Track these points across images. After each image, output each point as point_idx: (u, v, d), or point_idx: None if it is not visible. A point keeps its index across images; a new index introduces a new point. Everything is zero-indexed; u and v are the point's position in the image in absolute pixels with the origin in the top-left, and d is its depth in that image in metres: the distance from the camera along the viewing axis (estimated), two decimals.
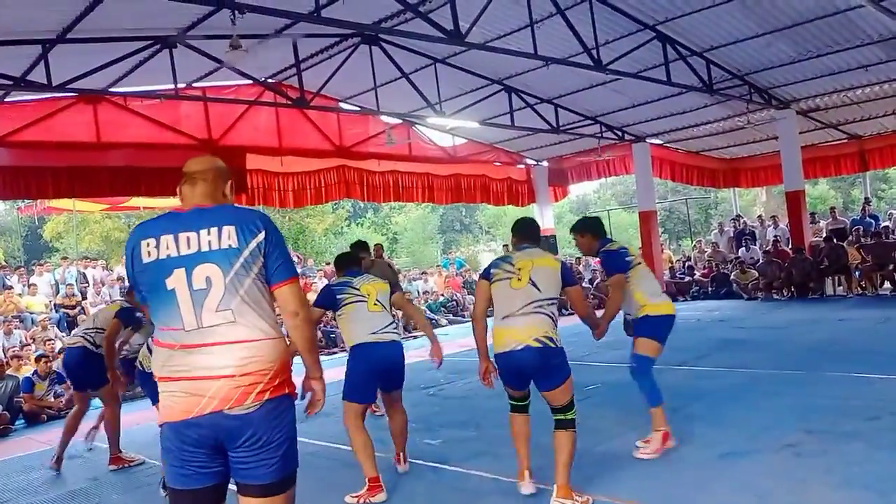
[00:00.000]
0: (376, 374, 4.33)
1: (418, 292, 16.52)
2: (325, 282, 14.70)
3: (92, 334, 5.68)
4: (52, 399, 8.66)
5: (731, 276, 14.40)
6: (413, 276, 17.79)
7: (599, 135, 15.18)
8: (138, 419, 6.71)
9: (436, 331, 8.15)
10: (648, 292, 4.43)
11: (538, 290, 3.64)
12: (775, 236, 15.09)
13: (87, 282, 13.50)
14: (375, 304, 4.39)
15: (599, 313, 4.30)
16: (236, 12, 7.03)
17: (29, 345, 10.20)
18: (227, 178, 2.45)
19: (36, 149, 10.33)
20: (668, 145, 17.00)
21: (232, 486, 2.28)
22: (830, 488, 3.63)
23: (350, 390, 4.28)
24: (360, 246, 6.28)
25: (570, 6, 9.46)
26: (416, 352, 6.33)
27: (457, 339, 11.17)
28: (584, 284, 15.61)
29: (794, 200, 14.20)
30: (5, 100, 10.06)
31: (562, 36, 9.80)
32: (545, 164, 18.13)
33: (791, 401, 5.48)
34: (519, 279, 3.67)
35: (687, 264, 16.78)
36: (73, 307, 12.21)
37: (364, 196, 15.20)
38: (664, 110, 14.26)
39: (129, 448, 5.91)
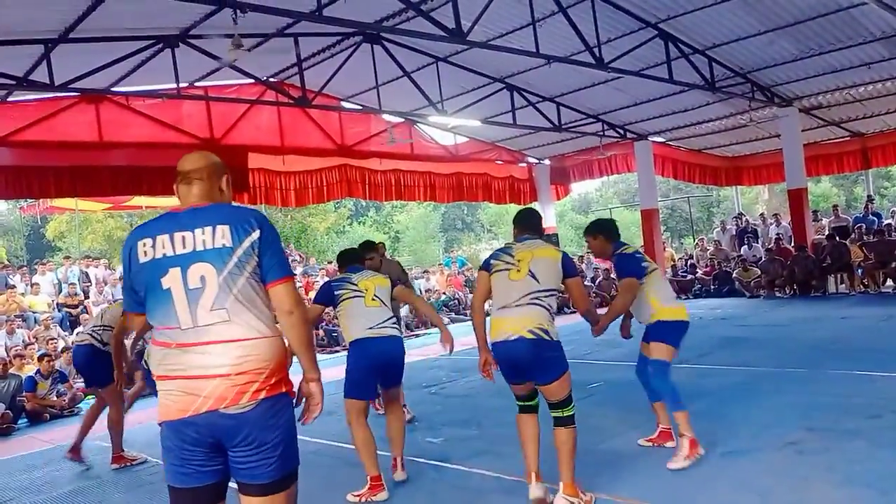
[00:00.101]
0: (375, 369, 4.29)
1: (420, 291, 16.53)
2: (327, 279, 14.75)
3: (99, 332, 5.69)
4: (55, 398, 8.68)
5: (734, 274, 14.39)
6: (415, 275, 17.79)
7: (601, 133, 15.17)
8: (140, 418, 6.72)
9: (436, 329, 8.18)
10: (663, 297, 4.35)
11: (537, 281, 3.59)
12: (778, 234, 15.07)
13: (90, 281, 13.52)
14: (374, 300, 4.36)
15: (600, 312, 4.27)
16: (238, 11, 7.04)
17: (32, 344, 10.22)
18: (223, 174, 2.43)
19: (38, 148, 10.35)
20: (670, 143, 16.99)
21: (233, 485, 2.29)
22: (832, 486, 3.62)
23: (350, 387, 4.26)
24: (369, 246, 6.23)
25: (572, 4, 9.46)
26: (417, 350, 6.34)
27: (458, 337, 11.07)
28: (585, 283, 15.61)
29: (797, 198, 14.18)
30: (8, 99, 10.10)
31: (564, 34, 9.79)
32: (547, 162, 18.12)
33: (793, 399, 5.48)
34: (518, 270, 3.63)
35: (689, 262, 16.77)
36: (76, 306, 12.24)
37: (366, 195, 15.21)
38: (666, 108, 14.25)
39: (132, 447, 5.92)
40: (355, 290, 4.36)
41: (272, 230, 2.31)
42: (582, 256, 19.12)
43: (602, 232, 4.49)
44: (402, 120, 14.54)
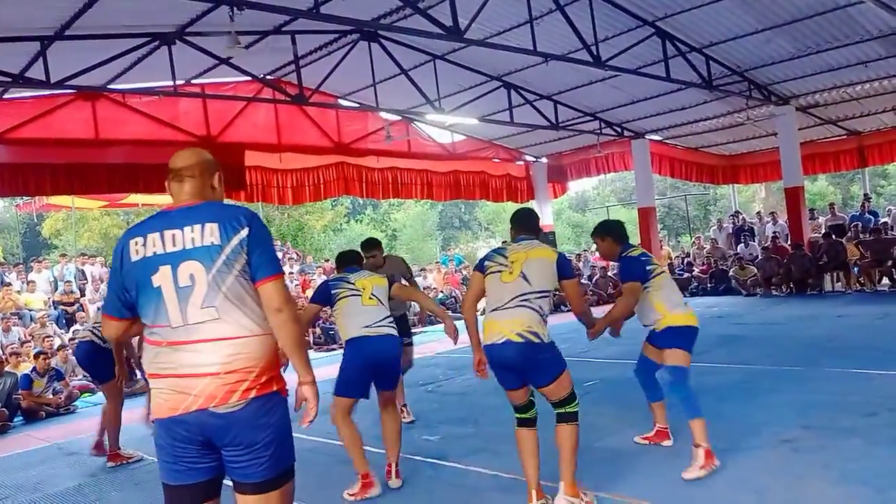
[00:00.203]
0: (369, 368, 4.25)
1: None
2: (325, 278, 14.74)
3: (100, 328, 5.67)
4: (51, 396, 8.66)
5: (730, 273, 14.41)
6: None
7: (598, 131, 15.17)
8: (137, 416, 6.70)
9: (434, 328, 8.17)
10: (670, 302, 4.23)
11: (528, 283, 3.53)
12: (774, 232, 15.10)
13: (86, 279, 13.49)
14: (370, 298, 4.33)
15: (597, 311, 4.27)
16: (235, 8, 7.03)
17: (28, 342, 10.20)
18: (215, 171, 2.41)
19: (34, 146, 10.33)
20: (667, 142, 17.00)
21: (229, 482, 2.28)
22: (828, 484, 3.63)
23: (340, 384, 4.23)
24: (372, 243, 6.19)
25: (570, 2, 9.44)
26: (415, 348, 6.32)
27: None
28: (582, 281, 15.62)
29: (793, 197, 14.21)
30: (3, 97, 10.06)
31: (561, 32, 9.79)
32: (544, 160, 18.13)
33: (789, 397, 5.49)
34: (510, 272, 3.58)
35: (686, 260, 16.79)
36: (72, 304, 12.21)
37: (363, 193, 15.21)
38: (663, 106, 14.26)
39: (128, 444, 5.91)
40: (352, 289, 4.35)
41: (261, 228, 2.28)
42: (579, 254, 19.17)
43: (610, 233, 4.41)
44: (400, 118, 14.53)
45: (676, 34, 10.97)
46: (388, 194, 15.74)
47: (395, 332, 4.38)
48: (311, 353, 10.62)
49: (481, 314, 3.70)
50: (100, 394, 9.32)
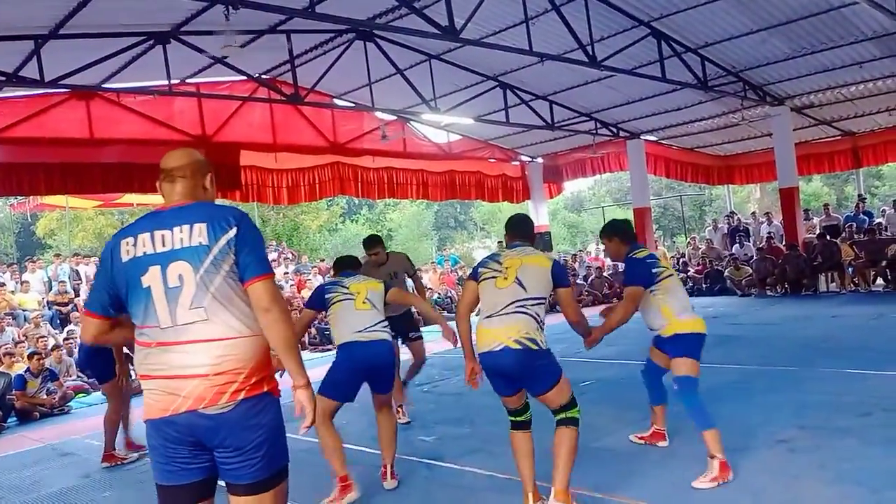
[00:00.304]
0: (359, 373, 4.19)
1: (412, 289, 16.50)
2: (320, 278, 14.72)
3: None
4: (45, 396, 8.62)
5: (725, 273, 14.44)
6: None
7: (594, 131, 15.18)
8: (132, 416, 6.68)
9: (431, 328, 8.15)
10: (677, 308, 4.10)
11: (524, 289, 3.46)
12: (769, 233, 15.13)
13: (80, 279, 13.44)
14: (364, 303, 4.27)
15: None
16: (230, 7, 7.00)
17: (21, 342, 10.16)
18: (207, 171, 2.41)
19: (28, 145, 10.28)
20: (662, 142, 17.03)
21: (224, 483, 2.28)
22: (823, 484, 3.64)
23: (327, 385, 4.16)
24: (374, 241, 6.10)
25: (565, 2, 9.45)
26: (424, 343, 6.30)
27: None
28: (578, 281, 15.63)
29: (788, 197, 14.24)
30: None
31: (557, 32, 9.78)
32: (540, 160, 18.14)
33: (784, 397, 5.50)
34: (505, 278, 3.51)
35: (681, 261, 16.82)
36: (66, 304, 12.16)
37: (358, 193, 15.19)
38: (659, 107, 14.28)
39: (123, 444, 5.89)
40: (346, 293, 4.30)
41: (250, 228, 2.26)
42: (575, 255, 19.18)
43: (617, 234, 4.32)
44: (395, 118, 14.51)
45: (672, 34, 10.98)
46: (384, 194, 15.74)
47: (388, 336, 4.31)
48: (306, 354, 10.61)
49: (476, 314, 3.64)
50: (94, 395, 9.37)
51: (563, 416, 3.50)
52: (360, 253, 6.14)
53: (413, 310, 6.42)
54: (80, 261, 14.60)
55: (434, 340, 6.63)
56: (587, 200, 39.09)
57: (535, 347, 3.41)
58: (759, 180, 20.09)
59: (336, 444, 4.11)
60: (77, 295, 12.68)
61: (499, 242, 21.09)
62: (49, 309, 11.99)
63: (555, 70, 11.70)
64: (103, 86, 9.92)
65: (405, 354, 6.28)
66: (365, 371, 4.20)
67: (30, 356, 8.85)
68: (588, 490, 3.79)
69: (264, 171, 13.22)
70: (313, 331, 12.30)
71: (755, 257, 14.23)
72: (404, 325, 6.09)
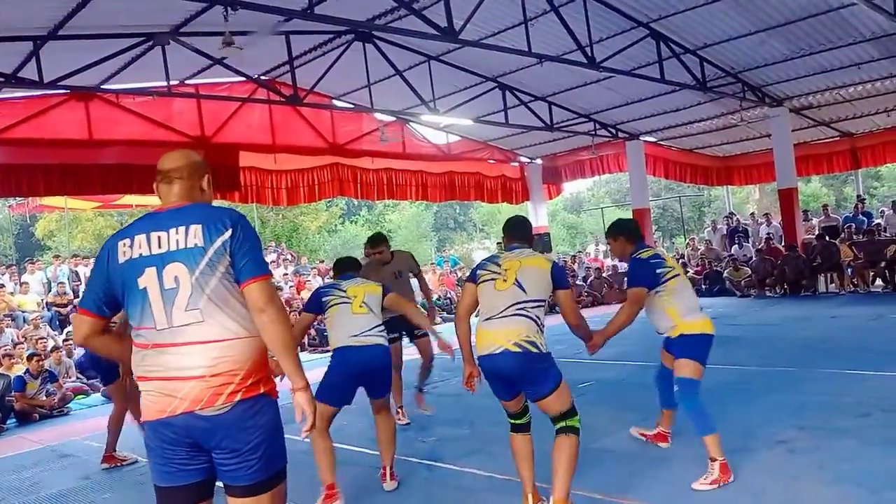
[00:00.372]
0: (354, 378, 4.15)
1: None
2: (319, 280, 14.71)
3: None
4: (44, 398, 8.61)
5: (725, 274, 14.45)
6: None
7: (593, 132, 15.20)
8: (129, 418, 6.67)
9: (437, 327, 8.13)
10: (684, 309, 4.00)
11: (523, 291, 3.41)
12: (768, 234, 15.14)
13: (79, 280, 13.42)
14: (361, 307, 4.23)
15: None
16: (229, 8, 7.01)
17: (21, 343, 10.13)
18: (204, 173, 2.41)
19: (27, 146, 10.27)
20: (661, 143, 17.04)
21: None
22: (823, 485, 3.64)
23: (322, 390, 4.08)
24: (378, 239, 6.04)
25: (564, 3, 9.47)
26: (411, 349, 6.29)
27: (451, 337, 11.10)
28: (577, 282, 15.64)
29: (787, 198, 14.25)
30: None
31: (556, 33, 9.79)
32: (539, 161, 18.15)
33: (784, 398, 5.51)
34: (504, 280, 3.46)
35: (680, 262, 16.79)
36: (65, 305, 12.15)
37: (358, 194, 15.19)
38: (658, 108, 14.29)
39: (122, 446, 5.88)
40: (343, 297, 4.26)
41: (246, 229, 2.26)
42: (574, 256, 19.19)
43: (622, 233, 4.25)
44: (394, 119, 14.51)
45: (671, 36, 11.00)
46: (383, 195, 15.74)
47: (383, 341, 4.25)
48: (305, 355, 10.60)
49: (475, 316, 3.61)
50: (93, 396, 9.37)
51: (562, 424, 3.42)
52: (359, 254, 6.12)
53: (420, 307, 6.40)
54: (80, 262, 14.58)
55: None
56: (586, 201, 39.14)
57: (535, 351, 3.36)
58: (758, 181, 20.12)
59: (328, 451, 4.02)
60: (76, 296, 12.66)
61: (498, 244, 21.07)
62: (48, 310, 11.98)
63: (554, 71, 11.71)
64: (102, 87, 9.92)
65: (411, 355, 6.25)
66: (359, 376, 4.16)
67: (29, 358, 8.83)
68: (587, 491, 3.79)
69: (263, 172, 13.22)
70: (313, 332, 12.29)
71: (754, 258, 14.23)
72: (411, 323, 6.05)
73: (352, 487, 4.35)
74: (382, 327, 4.30)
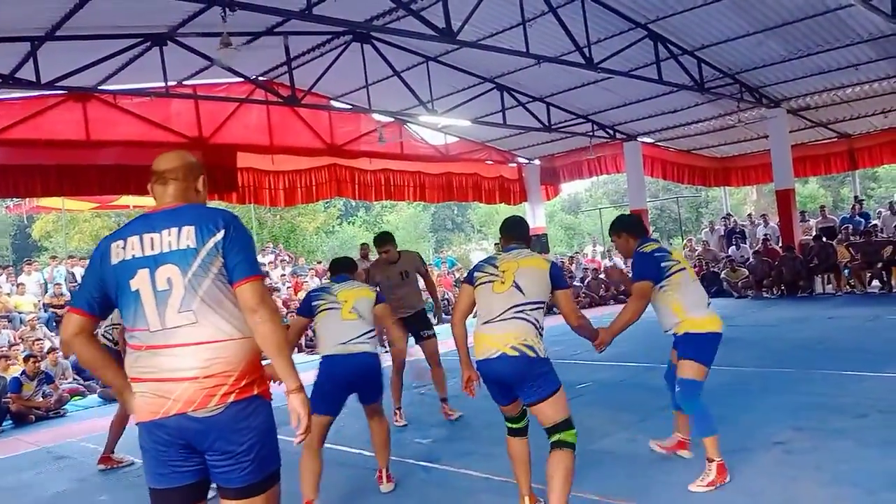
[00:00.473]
0: (343, 387, 4.04)
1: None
2: (317, 281, 14.70)
3: (110, 331, 5.59)
4: (41, 399, 8.59)
5: (722, 275, 14.46)
6: None
7: (591, 133, 15.21)
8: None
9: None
10: (689, 304, 3.87)
11: (522, 293, 3.34)
12: (765, 235, 15.15)
13: (76, 281, 13.38)
14: (351, 312, 4.11)
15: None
16: (227, 9, 7.00)
17: (17, 345, 10.12)
18: (199, 174, 2.40)
19: (24, 147, 10.24)
20: (659, 144, 17.06)
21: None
22: (820, 485, 3.65)
23: (313, 400, 3.76)
24: (385, 238, 5.97)
25: (562, 4, 9.47)
26: (436, 341, 6.26)
27: (447, 338, 11.10)
28: (575, 283, 15.63)
29: (785, 199, 14.27)
30: None
31: (554, 34, 9.80)
32: (537, 162, 18.15)
33: (781, 399, 5.51)
34: (502, 282, 3.38)
35: None
36: (62, 307, 12.11)
37: (355, 195, 15.17)
38: (655, 109, 14.30)
39: (120, 448, 5.86)
40: (333, 302, 4.15)
41: (239, 230, 2.25)
42: (572, 257, 19.19)
43: (625, 229, 4.13)
44: (392, 119, 14.51)
45: (668, 37, 11.01)
46: (381, 196, 15.75)
47: (372, 348, 4.13)
48: (302, 356, 10.58)
49: (473, 316, 3.55)
50: (90, 397, 9.35)
51: (557, 437, 3.29)
52: (355, 255, 6.10)
53: (426, 308, 6.38)
54: (77, 263, 14.56)
55: (441, 342, 6.57)
56: (584, 202, 39.17)
57: (533, 355, 3.28)
58: (756, 182, 20.16)
59: (315, 473, 3.87)
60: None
61: (495, 244, 21.07)
62: (45, 311, 11.96)
63: (552, 72, 11.71)
64: (100, 87, 9.91)
65: (412, 355, 6.22)
66: (348, 384, 4.06)
67: (25, 359, 8.82)
68: (585, 493, 3.79)
69: (261, 172, 13.21)
70: (310, 332, 12.27)
71: (751, 259, 14.24)
72: (417, 324, 6.03)
73: (348, 489, 4.35)
74: (372, 333, 4.19)
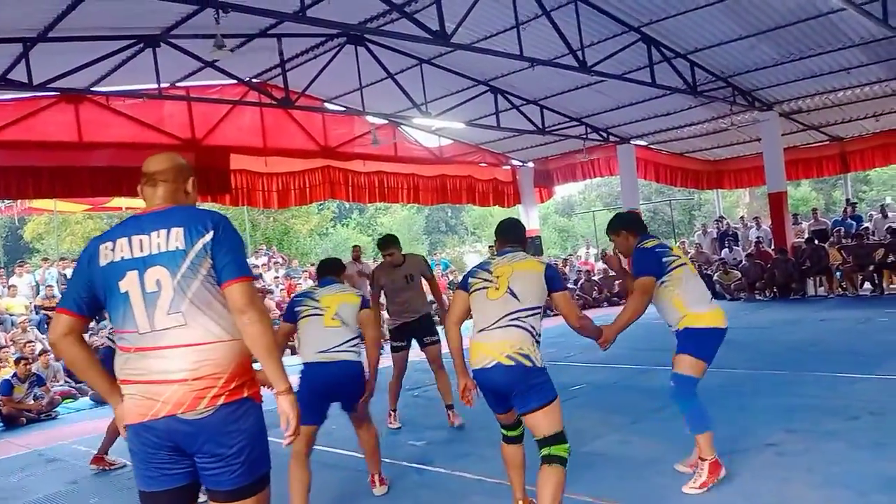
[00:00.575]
0: (322, 395, 3.89)
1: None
2: (310, 283, 14.67)
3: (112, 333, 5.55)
4: (32, 402, 8.55)
5: (715, 277, 14.50)
6: None
7: (584, 136, 15.24)
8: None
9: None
10: (691, 299, 3.81)
11: (517, 299, 3.24)
12: (758, 237, 15.21)
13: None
14: (333, 319, 3.98)
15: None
16: (220, 11, 6.98)
17: (8, 347, 10.07)
18: (188, 176, 2.40)
19: (16, 148, 10.19)
20: (652, 147, 17.11)
21: None
22: (811, 487, 3.66)
23: None
24: (389, 241, 5.88)
25: (556, 7, 9.49)
26: (385, 357, 6.24)
27: (441, 341, 11.09)
28: (568, 286, 15.65)
29: (777, 202, 14.33)
30: None
31: (547, 37, 9.82)
32: (531, 165, 18.18)
33: (773, 400, 5.54)
34: (496, 288, 3.29)
35: None
36: (53, 309, 12.06)
37: (349, 197, 15.16)
38: (649, 112, 14.34)
39: (114, 451, 5.83)
40: (315, 308, 4.03)
41: (228, 231, 2.24)
42: (566, 259, 19.22)
43: (625, 227, 4.04)
44: (386, 122, 14.51)
45: (661, 40, 11.04)
46: (375, 198, 15.73)
47: (353, 357, 3.97)
48: (296, 359, 10.55)
49: (471, 317, 3.49)
50: (81, 400, 9.30)
51: (548, 451, 3.19)
52: (347, 256, 6.07)
53: (432, 312, 6.31)
54: (68, 265, 14.45)
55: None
56: (578, 205, 39.21)
57: (529, 364, 3.18)
58: (748, 185, 20.23)
59: (303, 484, 3.78)
60: None
61: (490, 247, 21.09)
62: (36, 313, 11.90)
63: (545, 75, 11.73)
64: (92, 89, 9.87)
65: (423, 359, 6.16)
66: (327, 393, 3.92)
67: (16, 361, 8.77)
68: (576, 495, 3.78)
69: (254, 174, 13.18)
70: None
71: (744, 262, 14.30)
72: (421, 329, 5.93)
73: (341, 492, 4.34)
74: (356, 341, 4.05)
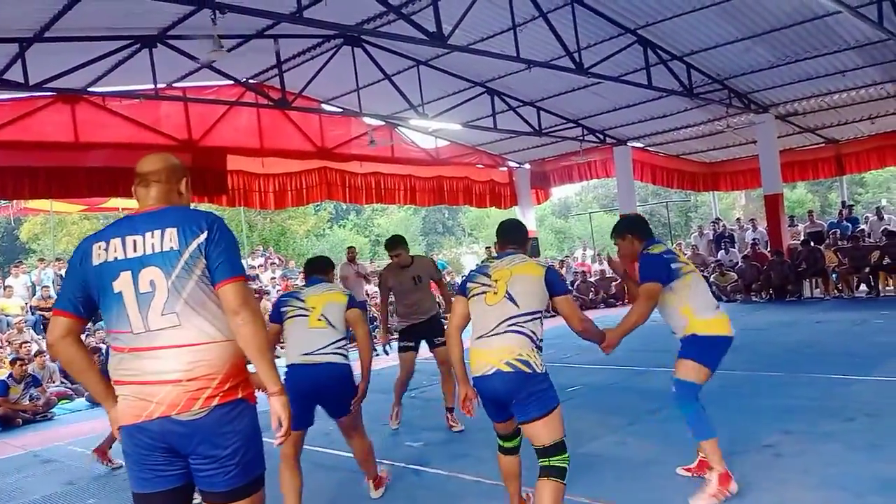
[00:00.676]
0: (305, 398, 3.77)
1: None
2: None
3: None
4: (28, 403, 8.52)
5: (711, 279, 14.49)
6: None
7: (581, 138, 15.26)
8: None
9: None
10: (698, 306, 3.76)
11: (516, 305, 3.14)
12: (754, 239, 15.25)
13: None
14: (319, 320, 3.88)
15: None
16: (217, 12, 6.98)
17: (4, 347, 10.04)
18: (182, 176, 2.39)
19: (13, 148, 10.16)
20: (648, 149, 17.14)
21: None
22: (808, 489, 3.67)
23: None
24: (396, 241, 5.83)
25: (553, 9, 9.51)
26: (393, 356, 6.25)
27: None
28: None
29: (773, 204, 14.37)
30: None
31: (544, 39, 9.83)
32: (527, 166, 18.20)
33: (769, 402, 5.55)
34: (495, 292, 3.19)
35: None
36: (50, 309, 12.03)
37: (346, 198, 15.17)
38: (645, 114, 14.37)
39: (115, 453, 5.81)
40: (300, 308, 3.94)
41: (222, 231, 2.23)
42: (562, 261, 19.22)
43: (631, 230, 3.92)
44: (383, 123, 14.51)
45: (658, 42, 11.07)
46: (372, 199, 15.74)
47: (339, 359, 3.87)
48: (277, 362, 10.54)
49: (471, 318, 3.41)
50: (78, 401, 9.27)
51: (547, 462, 3.09)
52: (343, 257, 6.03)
53: (440, 313, 6.28)
54: (64, 266, 14.43)
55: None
56: (574, 206, 39.28)
57: (529, 371, 3.08)
58: (744, 187, 20.27)
59: (295, 490, 3.72)
60: None
61: (486, 248, 21.10)
62: (32, 314, 11.87)
63: (542, 77, 11.74)
64: (89, 89, 9.85)
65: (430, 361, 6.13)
66: (310, 396, 3.81)
67: (12, 362, 8.74)
68: (573, 496, 3.77)
69: (251, 175, 13.17)
70: None
71: (740, 263, 14.33)
72: (430, 330, 5.90)
73: (337, 493, 4.33)
74: (343, 342, 3.94)
